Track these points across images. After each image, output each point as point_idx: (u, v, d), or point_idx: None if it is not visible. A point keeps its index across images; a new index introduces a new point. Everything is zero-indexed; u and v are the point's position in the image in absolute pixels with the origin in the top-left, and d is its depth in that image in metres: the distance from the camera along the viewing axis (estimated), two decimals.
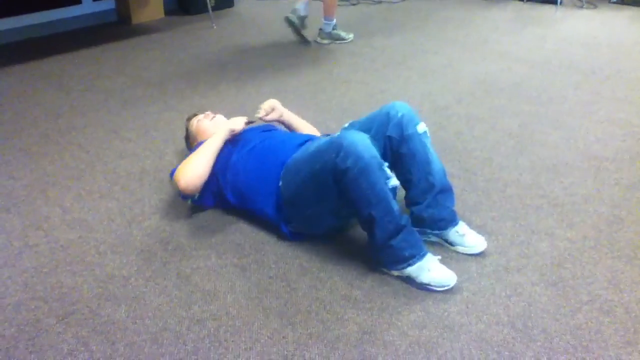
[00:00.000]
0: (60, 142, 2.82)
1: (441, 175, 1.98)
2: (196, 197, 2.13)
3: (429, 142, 2.00)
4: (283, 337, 1.63)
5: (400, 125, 1.96)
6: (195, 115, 2.45)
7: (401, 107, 2.00)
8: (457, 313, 1.71)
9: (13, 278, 1.89)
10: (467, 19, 4.90)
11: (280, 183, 1.97)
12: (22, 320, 1.71)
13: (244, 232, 2.10)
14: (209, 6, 4.84)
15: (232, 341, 1.62)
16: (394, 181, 1.84)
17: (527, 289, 1.80)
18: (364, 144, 1.76)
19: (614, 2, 5.15)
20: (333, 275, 1.87)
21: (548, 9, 5.11)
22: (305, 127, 2.41)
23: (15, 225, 2.17)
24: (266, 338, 1.63)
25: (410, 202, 2.00)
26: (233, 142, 2.20)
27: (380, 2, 5.50)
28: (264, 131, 2.28)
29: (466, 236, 1.96)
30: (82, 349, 1.60)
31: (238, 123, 2.23)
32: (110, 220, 2.19)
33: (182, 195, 2.13)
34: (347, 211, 1.87)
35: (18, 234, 2.11)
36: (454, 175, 2.45)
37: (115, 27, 4.84)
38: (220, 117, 2.38)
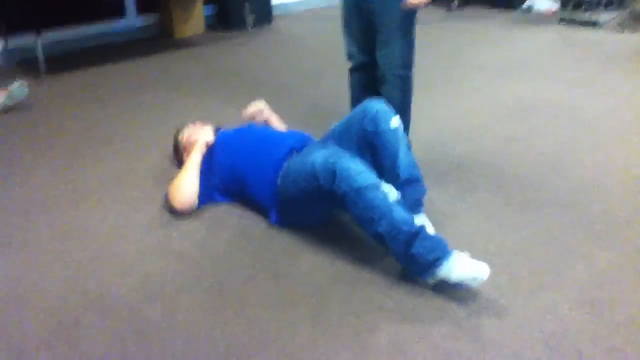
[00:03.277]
0: (101, 149, 2.91)
1: (408, 167, 2.08)
2: (196, 207, 2.29)
3: (401, 136, 2.10)
4: (314, 345, 1.64)
5: (375, 120, 2.08)
6: (182, 128, 2.57)
7: (377, 103, 2.13)
8: (489, 327, 1.69)
9: (54, 276, 1.95)
10: (506, 40, 4.88)
11: (279, 182, 2.09)
12: (62, 317, 1.76)
13: (277, 239, 2.12)
14: (248, 22, 4.94)
15: (265, 346, 1.64)
16: (393, 195, 1.89)
17: (563, 308, 1.77)
18: (357, 170, 1.84)
19: None
20: (366, 284, 1.87)
21: (588, 31, 5.06)
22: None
23: (57, 228, 2.24)
24: (298, 345, 1.64)
25: None
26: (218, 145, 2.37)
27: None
28: (248, 129, 2.43)
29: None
30: (118, 346, 1.64)
31: (208, 134, 2.40)
32: (147, 224, 2.24)
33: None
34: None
35: (59, 236, 2.18)
36: (489, 193, 2.44)
37: (158, 40, 4.98)
38: (208, 128, 2.49)
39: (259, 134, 2.37)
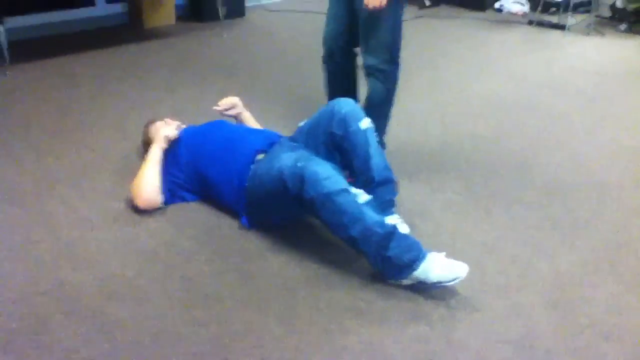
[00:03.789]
0: (68, 140, 2.84)
1: (381, 169, 2.07)
2: (160, 205, 2.24)
3: (372, 137, 2.07)
4: (285, 344, 1.64)
5: (344, 122, 2.05)
6: (153, 121, 2.50)
7: (345, 104, 2.09)
8: (461, 329, 1.71)
9: (17, 272, 1.90)
10: (476, 39, 4.94)
11: (246, 184, 2.05)
12: (25, 314, 1.72)
13: (248, 238, 2.11)
14: (221, 14, 4.88)
15: (234, 346, 1.63)
16: (364, 196, 1.84)
17: (528, 309, 1.81)
18: (325, 174, 1.81)
19: (622, 31, 5.20)
20: (337, 285, 1.88)
21: (556, 34, 5.16)
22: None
23: (21, 221, 2.18)
24: (268, 344, 1.63)
25: None
26: (184, 144, 2.31)
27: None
28: (215, 126, 2.37)
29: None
30: (84, 346, 1.61)
31: (170, 129, 2.34)
32: (115, 219, 2.20)
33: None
34: None
35: (23, 230, 2.12)
36: (457, 192, 2.47)
37: (127, 30, 4.88)
38: (175, 124, 2.43)
39: (226, 132, 2.29)
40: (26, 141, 2.81)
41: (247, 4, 5.58)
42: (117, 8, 5.00)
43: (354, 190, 1.84)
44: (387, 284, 1.87)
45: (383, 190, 2.06)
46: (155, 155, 2.27)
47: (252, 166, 2.08)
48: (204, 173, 2.21)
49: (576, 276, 1.97)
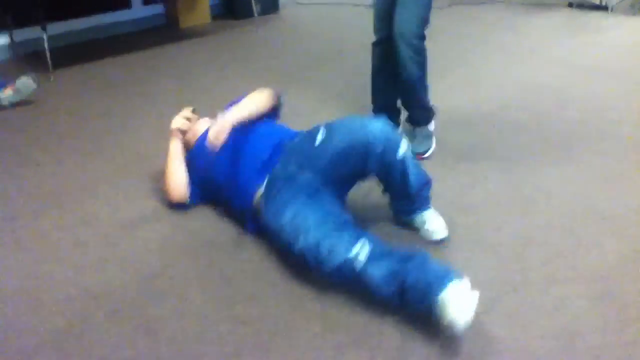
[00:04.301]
0: (111, 142, 2.91)
1: (418, 183, 2.01)
2: (188, 201, 2.26)
3: (409, 163, 1.95)
4: (324, 341, 1.64)
5: (381, 159, 1.89)
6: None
7: (381, 136, 1.88)
8: (499, 326, 1.68)
9: (63, 273, 1.96)
10: (514, 25, 4.81)
11: (261, 202, 1.99)
12: (72, 314, 1.77)
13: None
14: (255, 11, 4.90)
15: (274, 343, 1.64)
16: (364, 253, 1.70)
17: (574, 302, 1.76)
18: (326, 248, 1.71)
19: None
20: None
21: (599, 15, 4.97)
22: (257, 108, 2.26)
23: (67, 223, 2.24)
24: (306, 342, 1.64)
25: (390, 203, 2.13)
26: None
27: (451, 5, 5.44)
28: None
29: (427, 222, 2.06)
30: (128, 345, 1.65)
31: (179, 121, 2.33)
32: (156, 219, 2.24)
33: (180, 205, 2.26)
34: None
35: (69, 231, 2.19)
36: (497, 183, 2.41)
37: (164, 30, 4.96)
38: (183, 113, 2.40)
39: (236, 143, 2.12)
40: (71, 144, 2.90)
41: (281, 0, 5.59)
42: (154, 10, 5.09)
43: (354, 251, 1.70)
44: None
45: (419, 195, 2.04)
46: (172, 150, 2.29)
47: (254, 203, 2.04)
48: (215, 183, 2.19)
49: (625, 267, 1.91)
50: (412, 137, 2.69)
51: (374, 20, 2.67)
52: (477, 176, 2.49)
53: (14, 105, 3.36)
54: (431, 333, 1.64)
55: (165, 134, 2.83)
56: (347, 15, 5.32)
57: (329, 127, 2.00)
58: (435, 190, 2.14)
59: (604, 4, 5.07)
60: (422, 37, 2.50)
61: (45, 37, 3.77)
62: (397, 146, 1.90)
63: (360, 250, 1.69)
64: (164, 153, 2.66)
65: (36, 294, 1.86)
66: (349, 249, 1.70)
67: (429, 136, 2.75)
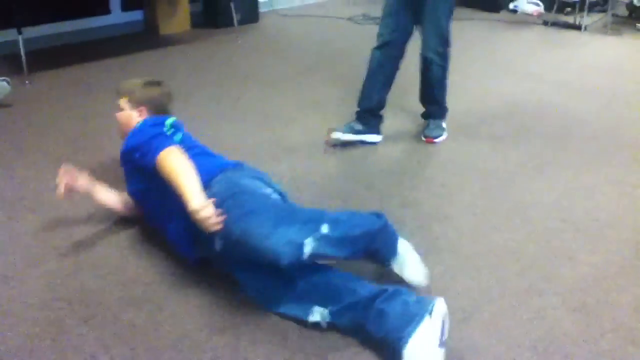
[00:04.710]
0: (87, 146, 2.86)
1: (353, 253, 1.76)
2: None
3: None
4: (301, 350, 1.63)
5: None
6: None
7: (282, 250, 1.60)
8: (478, 335, 1.69)
9: (37, 278, 1.91)
10: (491, 40, 4.91)
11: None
12: (46, 320, 1.73)
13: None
14: (235, 20, 4.90)
15: (252, 351, 1.62)
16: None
17: (549, 313, 1.78)
18: None
19: (639, 30, 5.13)
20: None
21: (572, 33, 5.10)
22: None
23: (41, 227, 2.20)
24: (288, 348, 1.63)
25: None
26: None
27: None
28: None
29: (403, 270, 1.82)
30: (103, 351, 1.61)
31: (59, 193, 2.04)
32: (134, 224, 2.21)
33: None
34: None
35: (44, 236, 2.14)
36: (476, 195, 2.44)
37: (143, 37, 4.92)
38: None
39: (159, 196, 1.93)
40: (46, 149, 2.84)
41: (261, 9, 5.60)
42: (133, 16, 5.05)
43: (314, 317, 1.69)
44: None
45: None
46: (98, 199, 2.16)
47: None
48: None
49: (599, 279, 1.94)
50: (426, 127, 2.98)
51: (380, 26, 2.81)
52: (455, 188, 2.52)
53: None
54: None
55: None
56: (326, 27, 5.36)
57: (228, 237, 1.70)
58: (415, 200, 2.16)
59: (577, 23, 5.20)
60: (448, 44, 2.80)
61: (21, 40, 3.71)
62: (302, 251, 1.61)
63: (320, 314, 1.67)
64: None
65: (10, 299, 1.81)
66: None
67: (442, 127, 2.98)
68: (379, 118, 2.92)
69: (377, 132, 2.93)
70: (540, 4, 5.71)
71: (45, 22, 4.47)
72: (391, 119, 3.10)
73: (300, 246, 1.59)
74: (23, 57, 3.74)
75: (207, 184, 1.80)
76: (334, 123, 3.11)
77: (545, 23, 5.36)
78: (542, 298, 1.84)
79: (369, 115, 2.87)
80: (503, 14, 5.76)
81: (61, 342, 1.65)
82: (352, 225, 1.70)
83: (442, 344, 1.53)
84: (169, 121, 2.10)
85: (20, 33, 3.71)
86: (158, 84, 2.32)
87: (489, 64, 4.28)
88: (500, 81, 3.89)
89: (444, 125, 3.01)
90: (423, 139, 2.96)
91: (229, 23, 5.02)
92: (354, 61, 4.29)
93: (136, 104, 2.21)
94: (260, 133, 3.05)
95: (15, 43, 3.75)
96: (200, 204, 1.67)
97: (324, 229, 1.64)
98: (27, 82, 3.71)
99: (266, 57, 4.42)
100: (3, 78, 3.30)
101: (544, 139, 3.00)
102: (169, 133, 2.05)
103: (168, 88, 2.33)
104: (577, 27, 5.17)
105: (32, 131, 3.05)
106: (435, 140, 2.93)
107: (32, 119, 3.22)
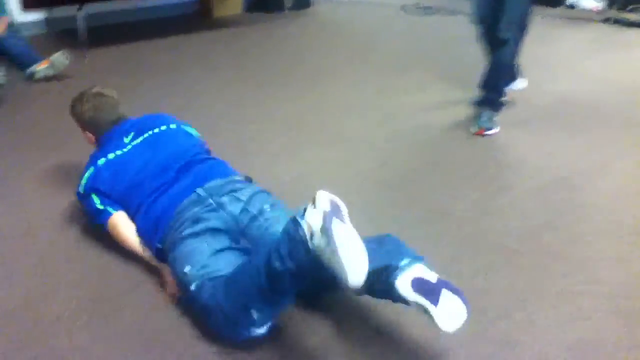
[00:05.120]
0: None
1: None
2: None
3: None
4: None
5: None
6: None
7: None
8: (516, 332, 1.67)
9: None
10: (547, 37, 4.78)
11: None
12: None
13: None
14: (286, 6, 4.92)
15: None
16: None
17: (592, 315, 1.75)
18: None
19: None
20: None
21: (636, 32, 4.91)
22: None
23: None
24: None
25: None
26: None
27: (455, 14, 5.43)
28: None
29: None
30: None
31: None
32: None
33: None
34: None
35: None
36: (528, 192, 2.40)
37: (197, 19, 5.00)
38: None
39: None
40: None
41: None
42: None
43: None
44: None
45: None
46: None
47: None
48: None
49: None
50: (477, 117, 2.96)
51: (478, 12, 2.94)
52: (504, 183, 2.48)
53: (48, 79, 3.42)
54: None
55: (189, 120, 2.80)
56: (378, 15, 5.33)
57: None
58: (463, 196, 2.14)
59: None
60: (523, 32, 2.86)
61: (81, 16, 3.83)
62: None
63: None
64: None
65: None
66: None
67: (494, 120, 2.95)
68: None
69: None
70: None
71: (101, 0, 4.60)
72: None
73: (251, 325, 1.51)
74: (82, 33, 3.87)
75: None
76: (375, 114, 3.11)
77: (606, 20, 5.18)
78: (586, 300, 1.81)
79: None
80: (561, 10, 5.59)
81: (115, 303, 1.71)
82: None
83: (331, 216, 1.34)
84: (100, 161, 1.95)
85: (80, 9, 3.83)
86: (80, 98, 2.13)
87: (543, 62, 4.16)
88: (553, 80, 3.78)
89: (496, 118, 2.97)
90: (472, 131, 2.93)
91: (280, 8, 5.05)
92: (399, 51, 4.26)
93: (82, 129, 2.15)
94: (302, 120, 3.07)
95: (74, 18, 3.87)
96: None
97: (254, 314, 1.50)
98: (85, 57, 3.83)
99: (315, 44, 4.43)
100: (64, 51, 3.42)
101: (598, 139, 2.92)
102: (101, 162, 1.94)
103: (96, 90, 2.16)
104: (638, 25, 4.97)
105: None
106: (487, 132, 2.90)
107: None
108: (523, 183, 2.49)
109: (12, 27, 3.81)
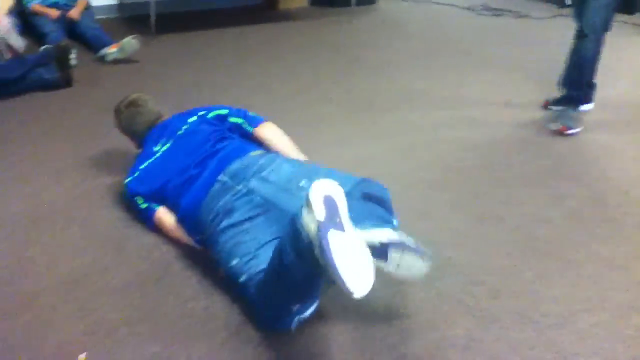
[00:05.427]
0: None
1: None
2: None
3: None
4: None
5: None
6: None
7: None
8: (569, 343, 1.62)
9: None
10: (620, 44, 4.57)
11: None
12: (155, 261, 1.86)
13: None
14: (352, 1, 4.92)
15: None
16: None
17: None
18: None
19: None
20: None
21: None
22: None
23: None
24: None
25: None
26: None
27: (524, 17, 5.29)
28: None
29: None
30: (204, 296, 1.71)
31: None
32: None
33: None
34: None
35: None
36: (584, 199, 2.32)
37: (262, 10, 5.07)
38: None
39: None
40: (164, 101, 3.01)
41: None
42: None
43: None
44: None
45: None
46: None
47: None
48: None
49: None
50: (561, 115, 2.97)
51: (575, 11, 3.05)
52: (565, 191, 2.40)
53: (117, 61, 3.55)
54: (499, 337, 1.62)
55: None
56: (443, 14, 5.26)
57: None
58: (523, 200, 2.08)
59: None
60: (605, 29, 2.92)
61: (152, 3, 3.95)
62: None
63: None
64: None
65: (126, 238, 1.97)
66: None
67: (579, 118, 2.96)
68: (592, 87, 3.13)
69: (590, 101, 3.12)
70: None
71: None
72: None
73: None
74: (152, 19, 3.99)
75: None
76: (431, 117, 3.07)
77: None
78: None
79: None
80: (638, 17, 5.36)
81: (164, 283, 1.77)
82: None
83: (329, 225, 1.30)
84: (135, 173, 2.05)
85: None
86: (116, 110, 2.28)
87: (613, 68, 4.00)
88: (621, 87, 3.63)
89: (579, 117, 2.98)
90: (553, 128, 2.90)
91: (346, 3, 5.05)
92: (467, 49, 4.19)
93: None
94: (354, 117, 3.05)
95: (146, 5, 4.00)
96: None
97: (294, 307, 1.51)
98: (153, 41, 3.95)
99: (378, 40, 4.41)
100: (134, 36, 3.54)
101: None
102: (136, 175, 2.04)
103: (129, 100, 2.28)
104: None
105: (146, 89, 3.24)
106: (570, 131, 2.87)
107: (151, 76, 3.43)
108: (582, 191, 2.40)
109: (87, 10, 3.98)
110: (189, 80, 3.39)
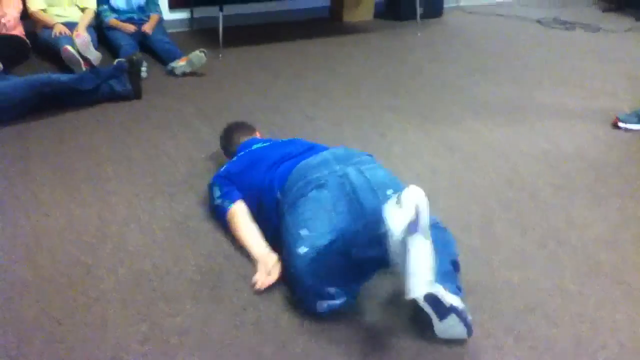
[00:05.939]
0: (262, 120, 3.06)
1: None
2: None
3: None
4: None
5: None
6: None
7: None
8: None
9: (207, 232, 2.11)
10: None
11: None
12: (209, 270, 1.91)
13: None
14: (417, 14, 4.89)
15: None
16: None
17: None
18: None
19: None
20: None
21: None
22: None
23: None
24: None
25: None
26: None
27: (597, 31, 5.07)
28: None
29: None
30: (252, 308, 1.74)
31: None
32: None
33: None
34: None
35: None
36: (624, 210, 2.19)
37: (327, 23, 5.12)
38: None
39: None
40: (226, 116, 3.09)
41: (446, 4, 5.52)
42: (320, 2, 5.27)
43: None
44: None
45: None
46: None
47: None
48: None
49: None
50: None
51: None
52: (633, 212, 2.28)
53: (185, 74, 3.68)
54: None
55: (311, 121, 2.88)
56: (512, 27, 5.13)
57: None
58: (590, 221, 1.99)
59: None
60: None
61: (220, 16, 4.07)
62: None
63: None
64: (312, 136, 2.74)
65: (181, 246, 2.03)
66: None
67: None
68: None
69: None
70: None
71: (243, 1, 4.85)
72: None
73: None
74: (220, 32, 4.11)
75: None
76: (499, 130, 3.00)
77: None
78: None
79: None
80: None
81: (217, 293, 1.81)
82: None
83: (414, 228, 1.42)
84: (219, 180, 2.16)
85: (221, 10, 4.07)
86: (222, 135, 2.49)
87: None
88: None
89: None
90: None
91: (411, 16, 5.02)
92: (538, 64, 4.06)
93: None
94: (421, 128, 3.03)
95: (215, 19, 4.12)
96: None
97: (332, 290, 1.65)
98: (220, 55, 4.06)
99: (444, 54, 4.35)
100: (202, 50, 3.66)
101: None
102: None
103: (228, 125, 2.51)
104: None
105: (216, 100, 3.34)
106: (621, 124, 2.93)
107: (218, 89, 3.52)
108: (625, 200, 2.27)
109: (159, 24, 4.15)
110: (254, 91, 3.46)
